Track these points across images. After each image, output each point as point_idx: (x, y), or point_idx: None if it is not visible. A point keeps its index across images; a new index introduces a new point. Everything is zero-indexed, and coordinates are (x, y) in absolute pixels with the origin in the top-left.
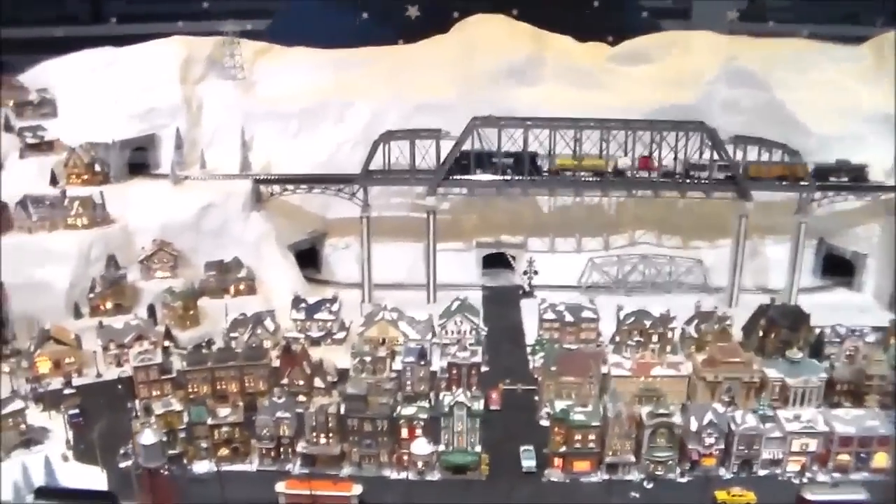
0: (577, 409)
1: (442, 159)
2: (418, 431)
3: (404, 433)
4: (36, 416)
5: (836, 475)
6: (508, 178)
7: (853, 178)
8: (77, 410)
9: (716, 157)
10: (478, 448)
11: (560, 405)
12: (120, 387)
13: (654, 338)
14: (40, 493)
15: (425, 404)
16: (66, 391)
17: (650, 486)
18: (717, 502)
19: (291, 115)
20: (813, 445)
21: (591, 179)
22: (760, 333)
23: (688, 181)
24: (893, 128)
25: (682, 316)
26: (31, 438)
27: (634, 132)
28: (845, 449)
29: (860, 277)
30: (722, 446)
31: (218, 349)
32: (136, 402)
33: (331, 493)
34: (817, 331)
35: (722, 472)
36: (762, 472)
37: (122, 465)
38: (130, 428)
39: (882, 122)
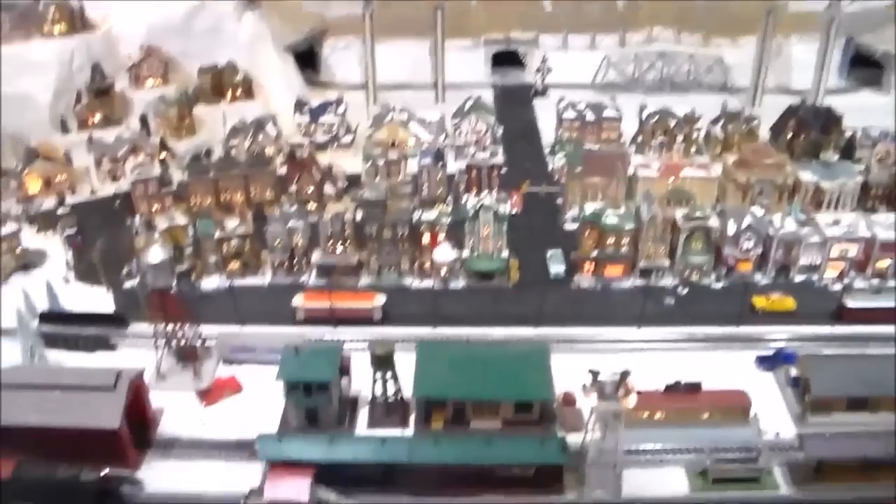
0: (609, 211)
1: None
2: (441, 237)
3: (426, 239)
4: (31, 238)
5: (875, 281)
6: None
7: None
8: (75, 230)
9: None
10: (505, 253)
11: (590, 207)
12: (117, 203)
13: (679, 138)
14: (45, 317)
15: (447, 208)
16: (60, 210)
17: (685, 291)
18: (755, 308)
19: None
20: (853, 251)
21: None
22: (790, 135)
23: None
24: None
25: (703, 117)
26: (29, 262)
27: None
28: (886, 254)
29: (889, 78)
30: (760, 251)
31: (218, 158)
32: (136, 218)
33: (352, 304)
34: (847, 133)
35: (758, 277)
36: (799, 278)
37: (127, 284)
38: (132, 246)
39: None
